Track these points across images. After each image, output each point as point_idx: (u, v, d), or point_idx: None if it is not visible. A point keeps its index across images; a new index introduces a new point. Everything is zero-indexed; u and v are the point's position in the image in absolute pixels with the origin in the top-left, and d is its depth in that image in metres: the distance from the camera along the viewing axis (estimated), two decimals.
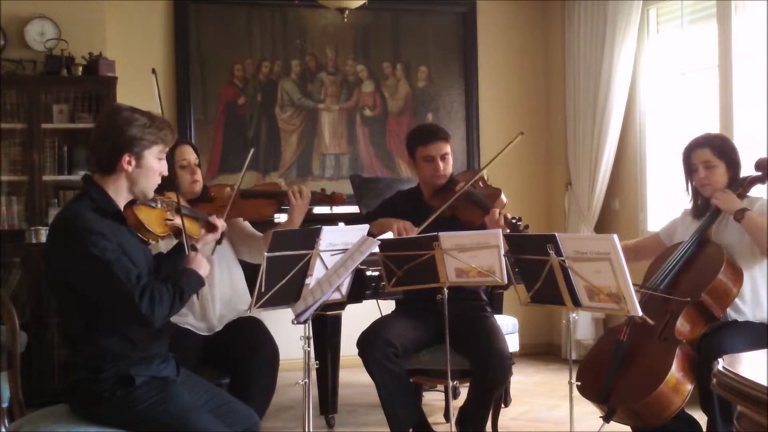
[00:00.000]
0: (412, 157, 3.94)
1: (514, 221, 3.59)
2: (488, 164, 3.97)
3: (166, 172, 2.76)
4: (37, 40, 5.20)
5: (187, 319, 3.57)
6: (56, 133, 5.21)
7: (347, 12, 4.97)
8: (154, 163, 2.71)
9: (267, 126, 5.93)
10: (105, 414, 2.63)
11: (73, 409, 2.69)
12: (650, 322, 3.05)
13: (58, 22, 5.22)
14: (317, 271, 2.97)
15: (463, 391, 4.42)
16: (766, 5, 4.36)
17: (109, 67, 5.20)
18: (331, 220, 4.73)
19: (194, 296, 2.77)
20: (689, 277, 3.44)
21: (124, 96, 5.07)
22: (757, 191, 3.56)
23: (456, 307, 3.56)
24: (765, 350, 2.25)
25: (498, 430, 4.14)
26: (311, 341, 3.03)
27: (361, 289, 4.14)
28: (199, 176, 3.66)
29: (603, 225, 5.79)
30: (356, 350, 3.67)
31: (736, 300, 3.42)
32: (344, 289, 3.12)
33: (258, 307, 2.84)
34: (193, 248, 2.88)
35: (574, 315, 3.11)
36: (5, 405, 3.29)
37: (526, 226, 3.66)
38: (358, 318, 4.21)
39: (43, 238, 4.89)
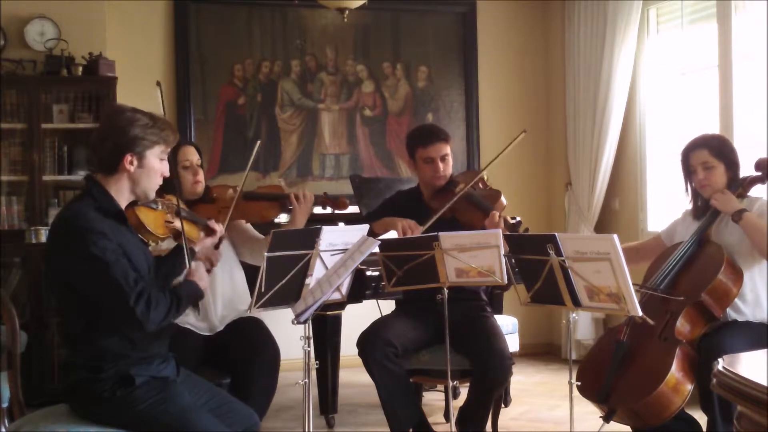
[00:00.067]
0: (411, 158, 3.94)
1: (513, 223, 3.60)
2: (493, 161, 3.92)
3: (167, 173, 2.77)
4: (37, 40, 5.20)
5: (187, 318, 3.58)
6: (56, 133, 5.21)
7: (347, 12, 4.97)
8: (156, 164, 2.72)
9: (267, 126, 5.93)
10: (105, 414, 2.63)
11: (73, 409, 2.69)
12: (650, 322, 3.05)
13: (58, 22, 5.22)
14: (317, 271, 2.97)
15: (463, 391, 4.42)
16: (766, 5, 4.36)
17: (109, 67, 5.20)
18: (331, 220, 4.72)
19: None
20: (689, 277, 3.44)
21: (124, 96, 5.08)
22: (757, 191, 3.56)
23: (456, 307, 3.56)
24: (765, 350, 2.25)
25: (498, 430, 4.14)
26: (311, 341, 3.03)
27: (361, 289, 4.15)
28: (201, 177, 3.68)
29: (603, 225, 5.79)
30: (356, 350, 3.67)
31: (736, 300, 3.42)
32: (344, 289, 3.13)
33: (258, 307, 2.84)
34: (192, 252, 2.90)
35: (574, 315, 3.11)
36: (5, 405, 3.29)
37: (526, 229, 3.67)
38: (358, 318, 4.21)
39: (43, 238, 4.89)
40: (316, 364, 3.16)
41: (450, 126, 6.05)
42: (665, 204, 5.35)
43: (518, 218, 4.40)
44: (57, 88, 5.19)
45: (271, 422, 4.50)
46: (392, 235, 3.69)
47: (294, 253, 2.89)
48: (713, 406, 3.24)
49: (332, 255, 3.00)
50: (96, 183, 2.70)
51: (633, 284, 2.84)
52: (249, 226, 3.81)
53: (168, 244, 3.15)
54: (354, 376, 5.00)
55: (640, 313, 2.87)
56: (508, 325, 4.44)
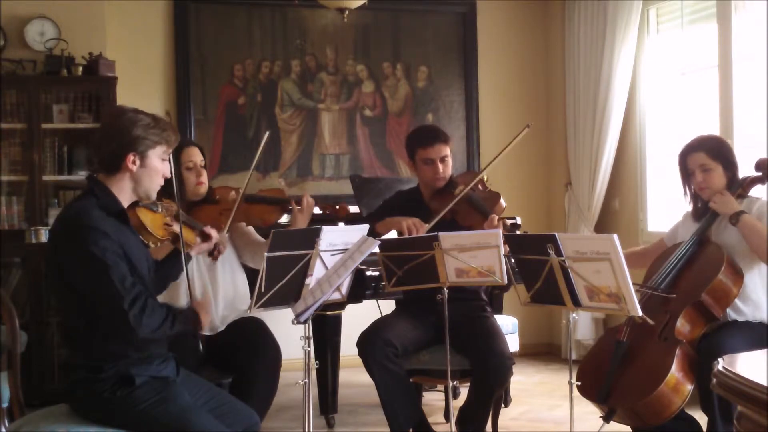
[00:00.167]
0: (411, 158, 3.94)
1: (512, 225, 3.59)
2: (496, 157, 3.88)
3: (168, 174, 2.79)
4: (37, 40, 5.20)
5: None
6: (56, 133, 5.21)
7: (347, 12, 4.97)
8: (158, 164, 2.73)
9: (267, 126, 5.92)
10: (105, 414, 2.64)
11: (73, 409, 2.69)
12: (650, 322, 3.05)
13: (58, 22, 5.21)
14: (317, 271, 2.97)
15: (463, 391, 4.42)
16: (766, 5, 4.36)
17: (109, 67, 5.20)
18: (332, 220, 4.72)
19: (199, 294, 2.77)
20: (689, 277, 3.44)
21: (124, 96, 5.08)
22: (757, 191, 3.56)
23: (456, 307, 3.56)
24: (765, 350, 2.25)
25: (498, 430, 4.14)
26: (311, 341, 3.03)
27: (361, 289, 4.15)
28: (204, 178, 3.70)
29: (603, 225, 5.79)
30: (356, 350, 3.67)
31: (736, 300, 3.42)
32: (344, 289, 3.13)
33: (258, 307, 2.85)
34: (188, 256, 2.98)
35: (574, 315, 3.11)
36: (5, 405, 3.29)
37: (524, 232, 3.66)
38: (358, 318, 4.21)
39: (43, 238, 4.89)
40: (316, 364, 3.16)
41: (450, 126, 6.05)
42: (665, 204, 5.35)
43: (518, 219, 4.40)
44: (57, 88, 5.19)
45: (271, 422, 4.50)
46: (393, 234, 3.69)
47: (294, 253, 2.89)
48: (713, 406, 3.24)
49: (332, 255, 3.00)
50: (98, 182, 2.71)
51: (633, 284, 2.84)
52: (251, 229, 3.83)
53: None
54: (354, 376, 5.00)
55: (640, 313, 2.87)
56: (508, 325, 4.44)
